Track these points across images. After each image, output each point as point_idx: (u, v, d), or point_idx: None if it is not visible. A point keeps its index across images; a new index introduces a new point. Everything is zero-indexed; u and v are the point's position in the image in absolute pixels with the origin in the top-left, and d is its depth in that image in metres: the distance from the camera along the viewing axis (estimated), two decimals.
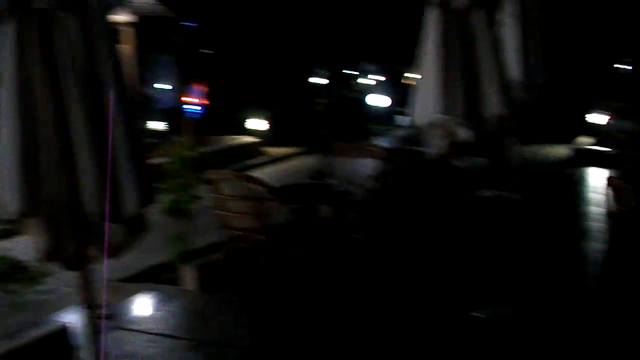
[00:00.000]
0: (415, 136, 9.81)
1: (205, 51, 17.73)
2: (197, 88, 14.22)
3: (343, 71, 23.17)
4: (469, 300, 5.81)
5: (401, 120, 16.92)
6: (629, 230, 4.80)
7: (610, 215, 9.13)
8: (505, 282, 6.36)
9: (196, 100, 13.99)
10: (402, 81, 19.12)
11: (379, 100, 20.58)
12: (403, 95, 6.84)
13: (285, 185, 8.32)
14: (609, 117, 14.06)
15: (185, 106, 14.06)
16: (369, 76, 23.87)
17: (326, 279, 6.62)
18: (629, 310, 5.10)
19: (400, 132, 16.36)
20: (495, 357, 5.16)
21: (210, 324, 6.14)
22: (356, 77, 23.90)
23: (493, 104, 6.34)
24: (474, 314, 5.51)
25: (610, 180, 8.29)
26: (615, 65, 26.64)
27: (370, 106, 20.61)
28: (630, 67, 28.36)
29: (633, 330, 4.77)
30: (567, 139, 14.69)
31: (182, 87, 14.77)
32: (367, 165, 8.19)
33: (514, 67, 8.62)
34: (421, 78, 6.42)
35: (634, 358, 4.61)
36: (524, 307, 5.93)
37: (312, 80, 20.45)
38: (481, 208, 9.13)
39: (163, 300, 6.64)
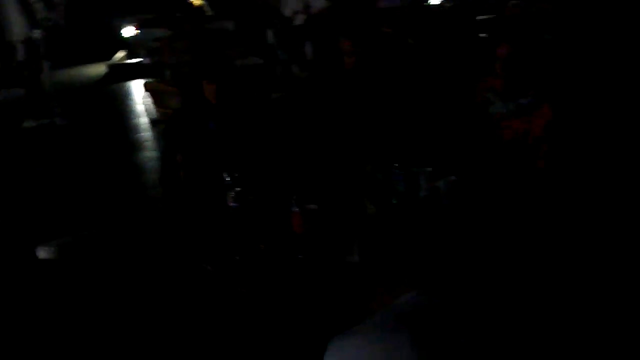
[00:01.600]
0: None
1: None
2: None
3: None
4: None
5: None
6: (170, 131, 4.81)
7: (154, 122, 9.29)
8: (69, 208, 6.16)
9: None
10: None
11: None
12: None
13: None
14: (136, 29, 14.15)
15: None
16: None
17: None
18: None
19: None
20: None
21: None
22: None
23: (16, 29, 5.89)
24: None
25: (147, 87, 8.36)
26: None
27: None
28: None
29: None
30: (105, 56, 14.50)
31: None
32: None
33: None
34: None
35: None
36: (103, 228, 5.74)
37: None
38: (28, 139, 8.67)
39: None
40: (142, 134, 9.34)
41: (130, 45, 14.04)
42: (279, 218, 3.26)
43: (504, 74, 3.98)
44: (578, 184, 3.60)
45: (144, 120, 9.79)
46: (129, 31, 14.45)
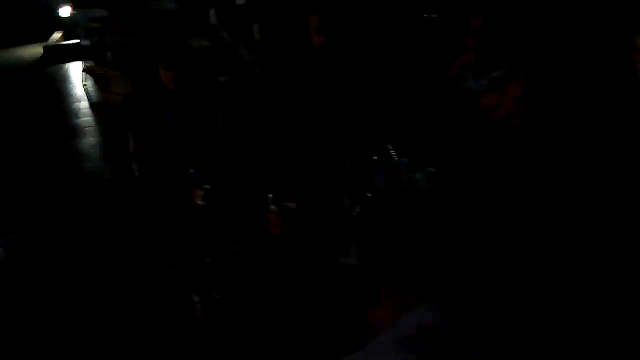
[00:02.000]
0: None
1: None
2: None
3: None
4: None
5: None
6: (122, 119, 4.50)
7: (95, 106, 8.91)
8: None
9: None
10: None
11: None
12: None
13: None
14: (72, 8, 13.61)
15: None
16: None
17: None
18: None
19: None
20: None
21: None
22: None
23: None
24: None
25: (87, 69, 7.95)
26: None
27: None
28: None
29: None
30: (42, 37, 13.91)
31: None
32: None
33: None
34: None
35: None
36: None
37: None
38: None
39: None
40: (83, 118, 8.94)
41: (68, 26, 13.51)
42: (254, 217, 3.01)
43: (476, 47, 3.74)
44: (558, 165, 3.38)
45: (84, 105, 9.40)
46: (65, 11, 13.91)
